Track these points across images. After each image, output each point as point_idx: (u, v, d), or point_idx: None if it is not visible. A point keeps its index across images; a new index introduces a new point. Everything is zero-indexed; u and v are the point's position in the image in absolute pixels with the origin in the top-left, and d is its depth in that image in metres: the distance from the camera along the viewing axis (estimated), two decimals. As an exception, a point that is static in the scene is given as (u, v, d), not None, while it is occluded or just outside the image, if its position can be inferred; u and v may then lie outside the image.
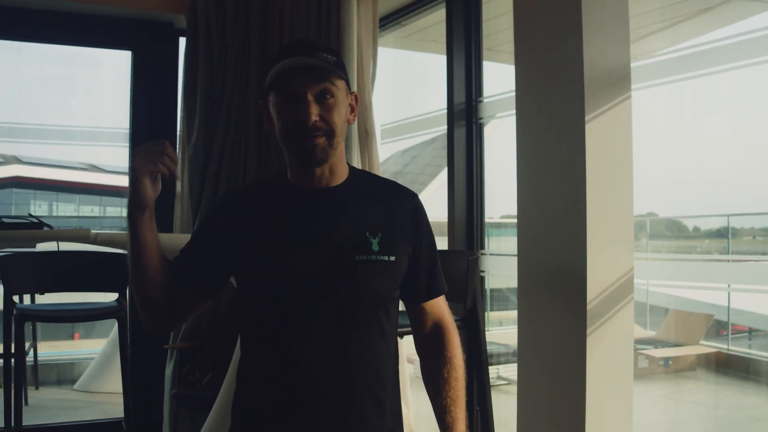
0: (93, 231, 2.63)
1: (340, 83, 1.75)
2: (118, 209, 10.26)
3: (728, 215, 6.72)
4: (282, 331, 1.71)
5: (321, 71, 1.71)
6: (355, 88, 3.78)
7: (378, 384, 1.76)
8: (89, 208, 10.44)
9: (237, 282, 1.83)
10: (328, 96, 1.72)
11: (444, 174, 9.14)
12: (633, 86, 2.79)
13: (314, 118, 1.69)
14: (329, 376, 1.69)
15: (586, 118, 2.65)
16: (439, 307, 1.94)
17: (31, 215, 3.01)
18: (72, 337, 7.92)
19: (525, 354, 2.97)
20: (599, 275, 2.68)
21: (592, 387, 2.66)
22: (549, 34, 2.85)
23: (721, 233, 7.97)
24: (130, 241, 1.69)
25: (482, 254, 3.87)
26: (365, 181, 1.89)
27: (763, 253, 7.46)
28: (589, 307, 2.63)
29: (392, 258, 1.77)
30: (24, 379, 5.37)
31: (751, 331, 7.58)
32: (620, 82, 2.74)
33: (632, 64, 2.79)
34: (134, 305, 4.40)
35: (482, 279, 3.92)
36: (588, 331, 2.63)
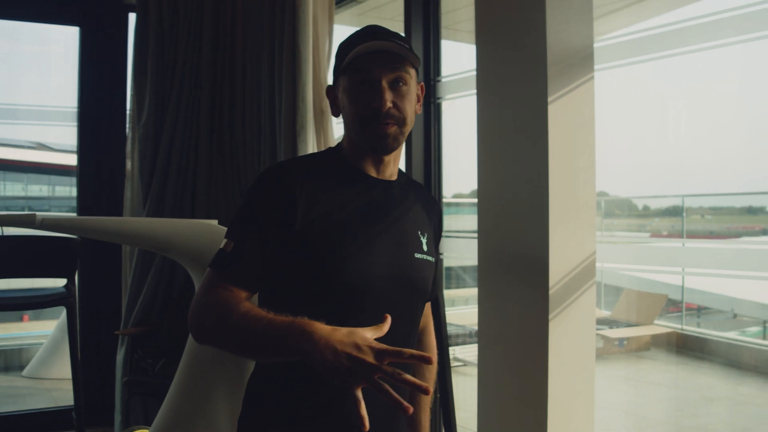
0: (38, 215, 2.51)
1: (413, 72, 1.73)
2: (68, 188, 10.05)
3: (683, 195, 6.77)
4: (347, 323, 1.49)
5: (396, 57, 1.68)
6: (309, 67, 3.69)
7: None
8: (38, 188, 10.22)
9: (286, 264, 1.63)
10: (401, 83, 1.69)
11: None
12: (596, 67, 2.75)
13: (389, 104, 1.66)
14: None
15: (549, 99, 2.60)
16: (429, 310, 2.02)
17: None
18: (21, 319, 7.75)
19: (485, 338, 2.93)
20: (561, 259, 2.64)
21: (554, 371, 2.63)
22: (510, 13, 2.78)
23: (670, 212, 8.09)
24: (281, 350, 1.45)
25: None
26: (409, 180, 1.90)
27: (711, 231, 7.58)
28: (551, 291, 2.59)
29: (433, 259, 1.82)
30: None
31: (700, 309, 7.68)
32: (583, 62, 2.69)
33: (595, 45, 2.75)
34: (83, 292, 4.29)
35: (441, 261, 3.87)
36: (550, 316, 2.60)
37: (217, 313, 1.53)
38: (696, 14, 2.97)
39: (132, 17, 4.46)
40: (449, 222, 4.19)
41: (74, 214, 4.70)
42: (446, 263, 4.79)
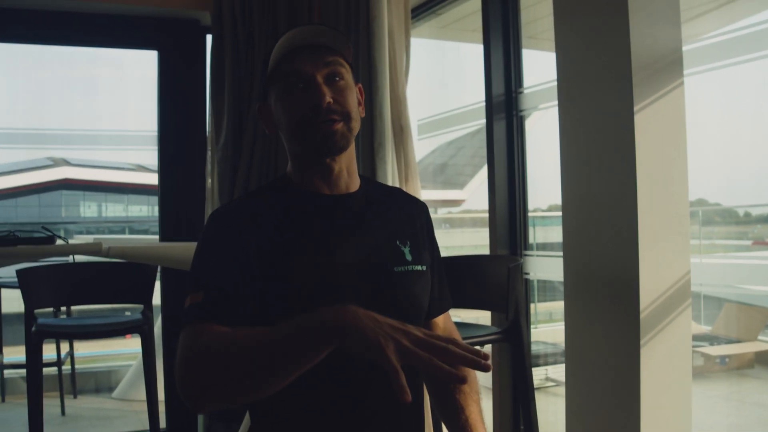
0: (105, 245, 2.48)
1: (348, 66, 1.61)
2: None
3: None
4: (329, 359, 1.36)
5: (324, 49, 1.56)
6: (387, 82, 3.60)
7: (419, 398, 1.65)
8: (138, 208, 10.51)
9: (255, 304, 1.48)
10: (338, 78, 1.57)
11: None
12: (685, 72, 2.57)
13: (328, 99, 1.52)
14: (374, 396, 1.51)
15: (635, 107, 2.44)
16: (450, 321, 1.82)
17: (44, 227, 2.88)
18: (124, 336, 7.86)
19: (573, 361, 2.78)
20: (653, 279, 2.46)
21: (647, 397, 2.46)
22: (591, 17, 2.63)
23: (772, 218, 7.73)
24: (299, 354, 1.27)
25: (526, 255, 3.66)
26: (376, 188, 1.75)
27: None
28: (642, 315, 2.42)
29: (424, 267, 1.64)
30: (60, 389, 5.33)
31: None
32: (671, 67, 2.52)
33: (684, 48, 2.57)
34: (167, 315, 4.27)
35: (526, 282, 3.71)
36: (642, 341, 2.43)
37: (215, 347, 1.33)
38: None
39: (209, 39, 4.46)
40: (543, 233, 4.03)
41: (155, 237, 4.71)
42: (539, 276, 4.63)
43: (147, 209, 10.41)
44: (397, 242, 1.61)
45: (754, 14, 3.51)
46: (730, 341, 6.86)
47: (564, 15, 2.76)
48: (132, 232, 10.24)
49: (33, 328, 3.35)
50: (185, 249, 2.99)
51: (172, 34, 4.50)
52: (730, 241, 8.08)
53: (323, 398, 1.50)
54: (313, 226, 1.55)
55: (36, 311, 3.49)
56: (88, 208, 10.08)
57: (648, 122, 2.46)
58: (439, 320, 1.76)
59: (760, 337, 7.00)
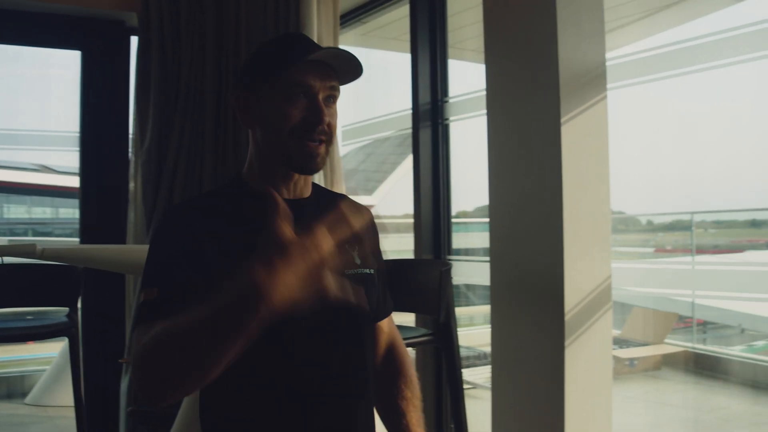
0: (39, 246, 2.45)
1: (339, 92, 1.62)
2: (71, 211, 10.01)
3: (692, 212, 6.73)
4: (276, 352, 1.49)
5: (332, 73, 1.57)
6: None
7: (370, 400, 1.67)
8: (41, 210, 10.18)
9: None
10: (332, 102, 1.59)
11: (400, 171, 9.09)
12: (609, 86, 2.70)
13: (327, 119, 1.55)
14: (329, 394, 1.55)
15: (562, 119, 2.55)
16: (393, 325, 1.86)
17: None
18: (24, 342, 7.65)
19: (499, 362, 2.87)
20: (577, 283, 2.58)
21: (571, 397, 2.57)
22: (521, 32, 2.74)
23: (674, 227, 8.06)
24: (237, 333, 1.25)
25: (449, 260, 3.76)
26: (325, 194, 1.78)
27: (716, 246, 7.55)
28: (567, 317, 2.54)
29: (371, 271, 1.70)
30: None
31: (706, 323, 7.62)
32: (596, 81, 2.65)
33: (608, 63, 2.70)
34: (87, 319, 4.21)
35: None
36: (566, 342, 2.54)
37: (158, 341, 1.31)
38: (706, 30, 2.94)
39: (134, 40, 4.42)
40: (458, 240, 4.13)
41: (76, 241, 4.64)
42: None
43: (51, 211, 10.14)
44: (346, 246, 1.64)
45: (671, 28, 3.70)
46: (639, 344, 7.13)
47: (494, 28, 2.86)
48: (35, 234, 9.94)
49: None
50: (121, 251, 2.98)
51: (96, 35, 4.44)
52: (634, 249, 8.39)
53: (274, 409, 1.52)
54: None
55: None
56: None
57: (574, 133, 2.58)
58: (384, 323, 1.81)
59: (666, 340, 7.29)
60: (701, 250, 7.00)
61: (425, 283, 2.77)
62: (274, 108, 1.56)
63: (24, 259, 3.20)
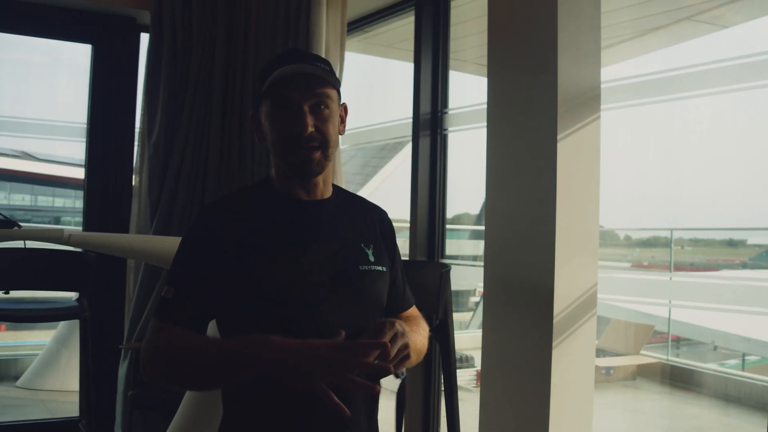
0: (66, 231, 2.59)
1: (334, 93, 1.75)
2: (50, 199, 10.11)
3: (671, 228, 6.92)
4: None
5: (316, 79, 1.70)
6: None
7: (374, 405, 1.81)
8: (20, 197, 10.18)
9: (230, 299, 1.69)
10: (323, 107, 1.71)
11: (381, 175, 9.15)
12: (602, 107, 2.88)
13: (311, 128, 1.67)
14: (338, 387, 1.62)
15: (558, 136, 2.72)
16: (419, 314, 2.01)
17: (0, 213, 2.95)
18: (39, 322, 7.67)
19: (489, 364, 3.02)
20: (566, 289, 2.75)
21: (556, 399, 2.72)
22: (523, 52, 2.91)
23: (650, 243, 8.23)
24: (229, 372, 1.60)
25: (443, 262, 3.93)
26: (345, 196, 1.91)
27: (692, 263, 7.73)
28: (555, 320, 2.70)
29: (384, 268, 1.83)
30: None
31: (680, 340, 7.81)
32: (591, 102, 2.82)
33: (602, 86, 2.88)
34: (94, 305, 4.32)
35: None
36: (554, 344, 2.70)
37: (169, 348, 1.62)
38: (692, 54, 3.13)
39: (144, 37, 4.55)
40: (450, 248, 4.29)
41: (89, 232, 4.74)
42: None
43: (30, 198, 10.16)
44: (362, 244, 1.81)
45: (663, 48, 3.89)
46: (615, 354, 7.32)
47: (498, 47, 3.03)
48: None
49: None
50: (145, 241, 3.12)
51: (107, 30, 4.56)
52: (611, 263, 8.54)
53: (279, 407, 1.67)
54: (290, 227, 1.74)
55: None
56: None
57: (569, 150, 2.75)
58: (407, 313, 1.96)
59: (642, 352, 7.48)
60: (678, 267, 7.19)
61: (426, 283, 2.93)
62: (268, 123, 1.74)
63: (38, 243, 3.33)
